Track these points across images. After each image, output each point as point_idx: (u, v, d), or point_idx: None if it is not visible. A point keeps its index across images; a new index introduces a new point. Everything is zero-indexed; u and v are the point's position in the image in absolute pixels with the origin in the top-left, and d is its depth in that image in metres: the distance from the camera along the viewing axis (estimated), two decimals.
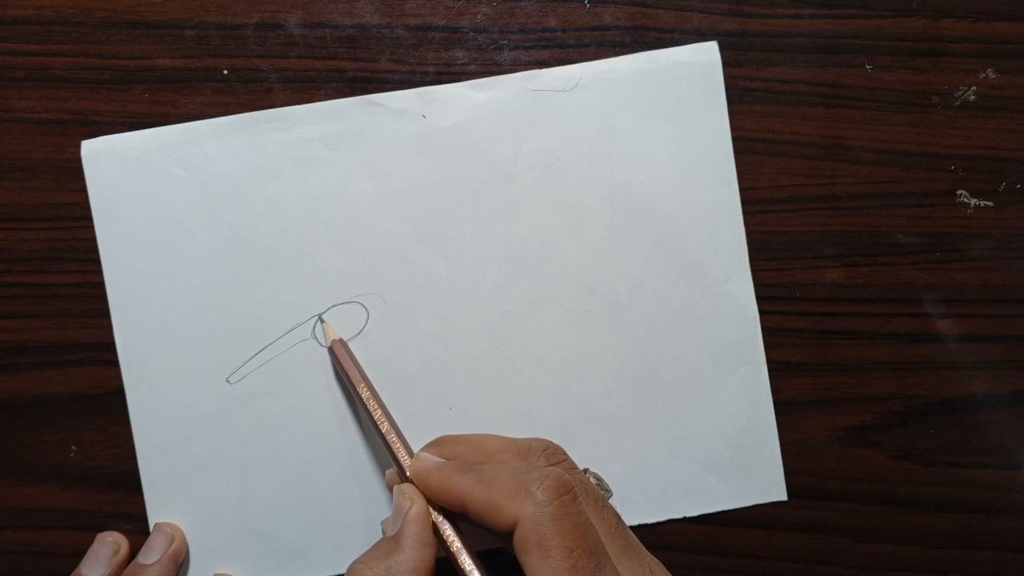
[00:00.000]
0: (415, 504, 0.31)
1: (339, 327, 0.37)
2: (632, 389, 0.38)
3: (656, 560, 0.31)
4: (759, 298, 0.38)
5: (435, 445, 0.34)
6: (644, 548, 0.32)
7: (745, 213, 0.38)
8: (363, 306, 0.37)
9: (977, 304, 0.39)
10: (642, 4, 0.38)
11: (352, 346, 0.37)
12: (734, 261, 0.38)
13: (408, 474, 0.32)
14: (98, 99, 0.38)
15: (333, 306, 0.37)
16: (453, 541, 0.30)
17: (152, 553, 0.36)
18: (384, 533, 0.31)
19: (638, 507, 0.38)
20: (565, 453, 0.33)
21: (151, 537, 0.36)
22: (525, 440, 0.33)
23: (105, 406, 0.37)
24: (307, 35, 0.38)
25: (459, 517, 0.31)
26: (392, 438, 0.33)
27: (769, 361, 0.38)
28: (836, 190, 0.38)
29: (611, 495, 0.35)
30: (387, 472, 0.34)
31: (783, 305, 0.38)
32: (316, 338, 0.37)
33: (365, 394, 0.34)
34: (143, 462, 0.37)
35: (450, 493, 0.30)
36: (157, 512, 0.37)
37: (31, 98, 0.38)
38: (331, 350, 0.36)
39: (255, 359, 0.37)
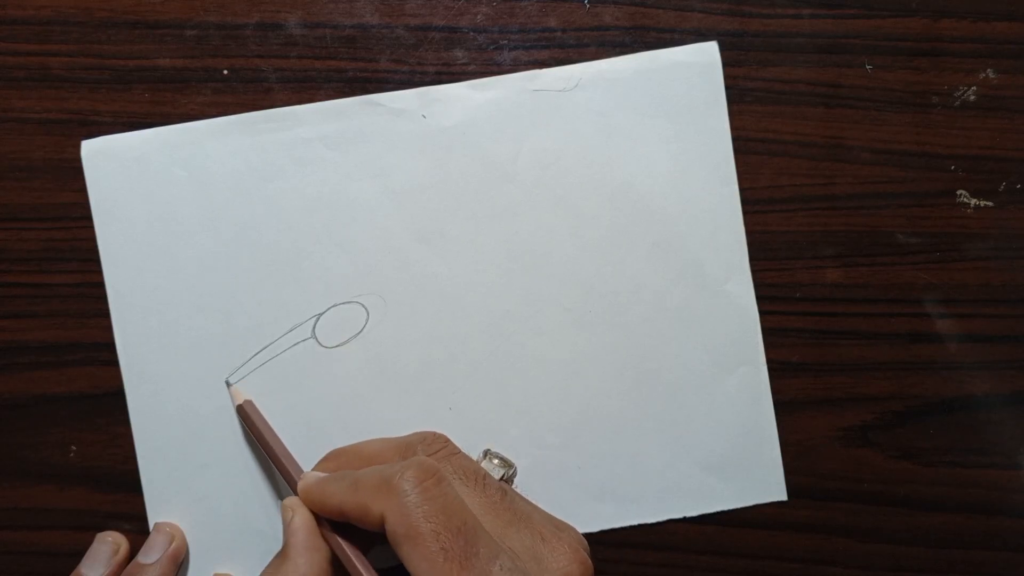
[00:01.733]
0: (296, 514, 0.32)
1: (339, 327, 0.37)
2: (632, 389, 0.38)
3: (559, 525, 0.32)
4: (759, 298, 0.38)
5: (324, 460, 0.35)
6: (542, 516, 0.32)
7: (745, 213, 0.38)
8: (363, 306, 0.37)
9: (977, 304, 0.39)
10: (642, 4, 0.38)
11: (352, 346, 0.37)
12: (734, 261, 0.38)
13: (297, 492, 0.33)
14: (98, 99, 0.38)
15: (333, 306, 0.37)
16: (340, 547, 0.31)
17: (152, 553, 0.36)
18: None
19: (638, 507, 0.38)
20: (446, 440, 0.33)
21: (151, 537, 0.36)
22: (405, 437, 0.34)
23: (105, 406, 0.37)
24: (307, 35, 0.38)
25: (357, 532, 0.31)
26: (280, 462, 0.34)
27: (769, 361, 0.38)
28: (836, 190, 0.38)
29: (514, 470, 0.35)
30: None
31: (783, 305, 0.38)
32: (316, 338, 0.37)
33: (265, 438, 0.35)
34: (143, 462, 0.37)
35: (327, 504, 0.31)
36: (157, 512, 0.37)
37: (31, 98, 0.38)
38: (240, 409, 0.36)
39: (255, 359, 0.37)
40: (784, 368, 0.38)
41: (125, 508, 0.37)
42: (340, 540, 0.31)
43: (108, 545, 0.36)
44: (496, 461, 0.35)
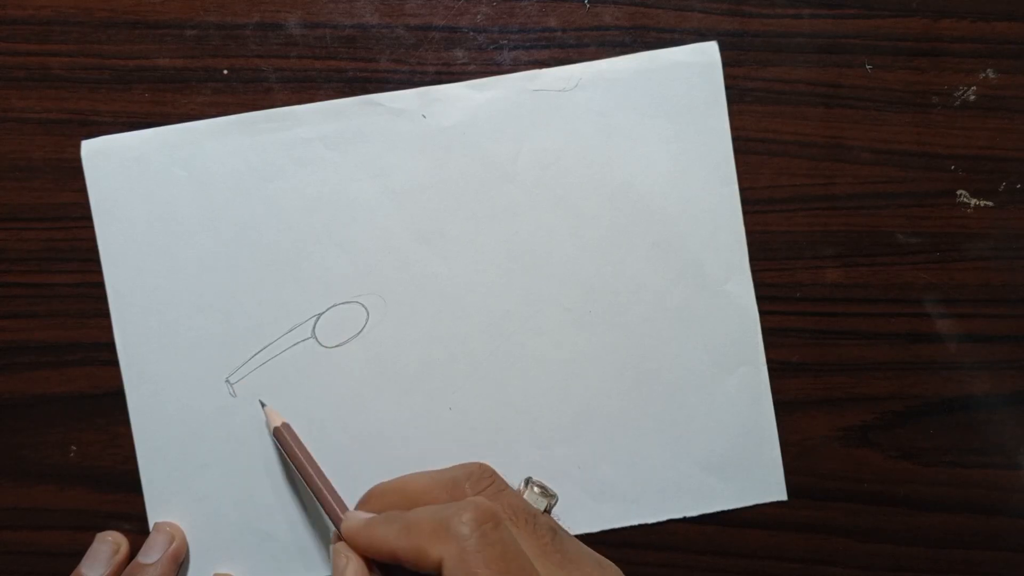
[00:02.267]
0: (351, 562, 0.31)
1: (339, 327, 0.37)
2: (632, 389, 0.38)
3: (604, 565, 0.32)
4: (759, 298, 0.38)
5: (365, 501, 0.34)
6: (589, 555, 0.32)
7: (745, 213, 0.38)
8: (363, 306, 0.37)
9: (977, 304, 0.38)
10: (642, 4, 0.38)
11: (352, 346, 0.37)
12: (734, 261, 0.38)
13: (341, 533, 0.32)
14: (98, 99, 0.38)
15: (333, 306, 0.37)
16: None
17: (152, 553, 0.36)
18: None
19: (638, 507, 0.38)
20: (493, 475, 0.33)
21: (151, 537, 0.36)
22: (450, 470, 0.34)
23: (105, 406, 0.37)
24: (307, 35, 0.38)
25: (402, 570, 0.31)
26: (324, 497, 0.34)
27: (769, 361, 0.38)
28: (836, 190, 0.38)
29: (556, 500, 0.35)
30: (332, 535, 0.34)
31: (783, 305, 0.38)
32: (316, 338, 0.37)
33: (306, 469, 0.35)
34: (143, 462, 0.37)
35: (379, 547, 0.30)
36: (157, 512, 0.37)
37: (31, 98, 0.38)
38: (277, 431, 0.36)
39: (255, 359, 0.37)
40: (784, 368, 0.38)
41: (125, 508, 0.37)
42: None
43: (108, 545, 0.36)
44: (538, 491, 0.34)
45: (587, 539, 0.37)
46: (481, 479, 0.33)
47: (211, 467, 0.37)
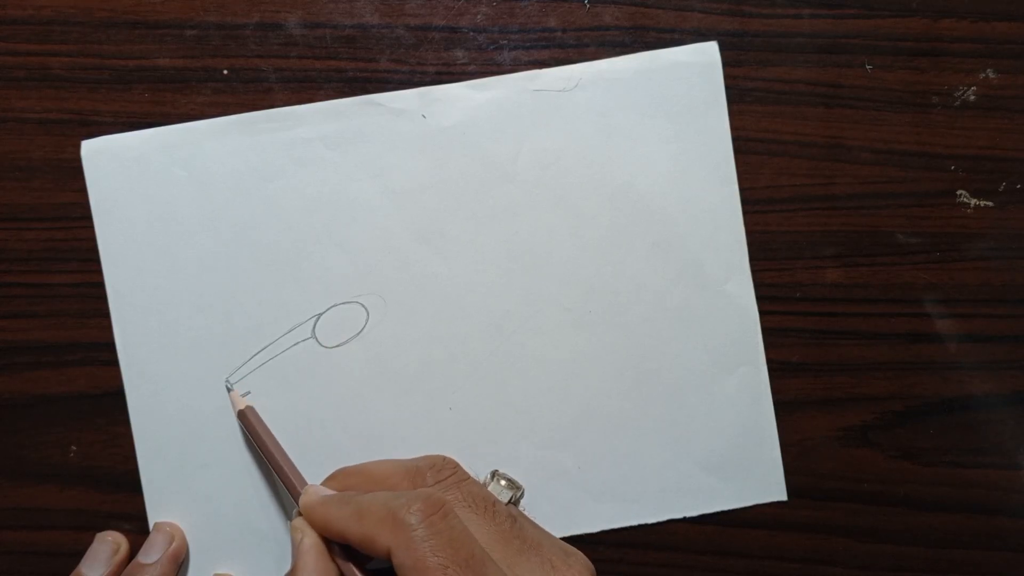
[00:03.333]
0: (306, 536, 0.31)
1: (339, 327, 0.37)
2: (632, 389, 0.38)
3: (568, 552, 0.32)
4: (759, 298, 0.38)
5: (331, 479, 0.34)
6: (553, 542, 0.32)
7: (745, 213, 0.38)
8: (363, 306, 0.37)
9: (977, 304, 0.39)
10: (642, 4, 0.38)
11: (352, 346, 0.37)
12: (734, 261, 0.38)
13: (299, 506, 0.33)
14: (98, 99, 0.38)
15: (333, 306, 0.37)
16: (351, 570, 0.31)
17: (152, 553, 0.36)
18: None
19: (638, 507, 0.38)
20: (455, 466, 0.33)
21: (151, 536, 0.36)
22: (414, 460, 0.34)
23: (105, 406, 0.37)
24: (307, 35, 0.38)
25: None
26: (283, 472, 0.34)
27: (769, 361, 0.38)
28: (836, 190, 0.38)
29: (522, 492, 0.35)
30: (293, 512, 0.35)
31: (783, 305, 0.38)
32: (316, 338, 0.37)
33: (269, 448, 0.35)
34: (143, 462, 0.37)
35: (330, 527, 0.31)
36: (157, 512, 0.37)
37: (31, 98, 0.38)
38: (241, 414, 0.36)
39: (255, 359, 0.37)
40: (784, 368, 0.38)
41: (125, 508, 0.37)
42: (352, 567, 0.31)
43: (108, 545, 0.36)
44: (504, 483, 0.34)
45: (587, 539, 0.37)
46: (443, 469, 0.33)
47: (211, 467, 0.37)
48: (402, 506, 0.29)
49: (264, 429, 0.36)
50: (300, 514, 0.33)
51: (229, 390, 0.37)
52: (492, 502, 0.32)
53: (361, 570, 0.31)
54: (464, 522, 0.30)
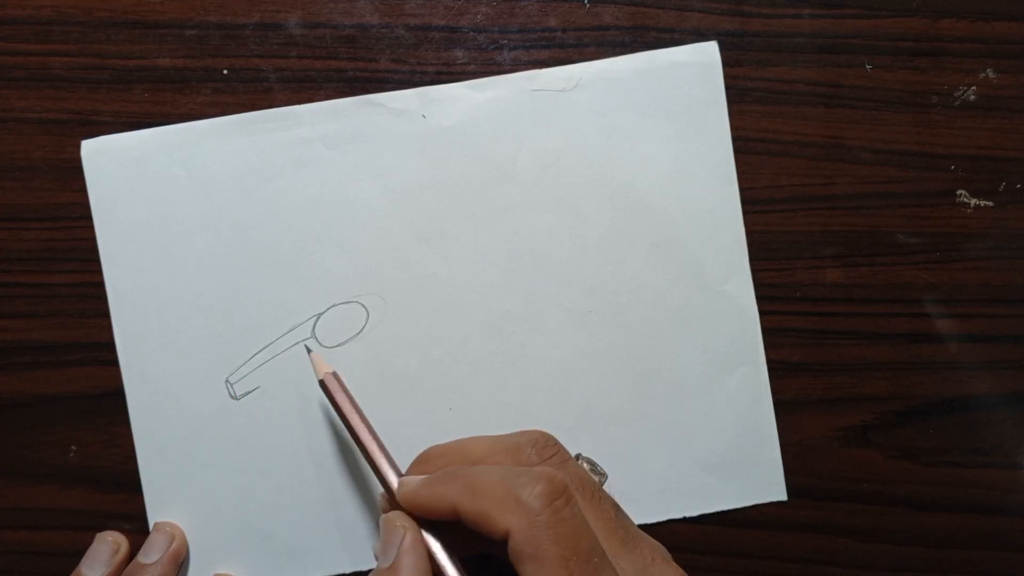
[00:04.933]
0: (408, 533, 0.30)
1: (339, 327, 0.37)
2: (632, 389, 0.38)
3: (657, 545, 0.31)
4: (759, 298, 0.38)
5: (421, 462, 0.32)
6: (644, 535, 0.31)
7: (745, 213, 0.38)
8: (363, 306, 0.37)
9: (977, 304, 0.39)
10: (642, 4, 0.38)
11: (352, 346, 0.37)
12: (734, 261, 0.38)
13: (398, 499, 0.31)
14: (98, 99, 0.38)
15: (333, 306, 0.37)
16: (449, 570, 0.30)
17: (152, 553, 0.36)
18: (376, 560, 0.30)
19: (638, 507, 0.37)
20: (556, 444, 0.31)
21: (151, 537, 0.36)
22: (513, 436, 0.32)
23: (105, 406, 0.37)
24: (307, 35, 0.38)
25: (451, 531, 0.30)
26: (381, 462, 0.32)
27: (769, 361, 0.38)
28: (836, 190, 0.38)
29: (606, 479, 0.34)
30: (379, 496, 0.33)
31: (783, 305, 0.38)
32: (316, 338, 0.37)
33: (356, 423, 0.33)
34: (143, 462, 0.37)
35: (439, 507, 0.29)
36: (157, 512, 0.37)
37: (31, 98, 0.38)
38: (323, 383, 0.34)
39: (255, 359, 0.37)
40: (784, 368, 0.38)
41: (125, 508, 0.37)
42: (448, 562, 0.30)
43: (108, 545, 0.36)
44: (587, 467, 0.33)
45: None
46: (546, 447, 0.31)
47: (211, 467, 0.37)
48: (524, 485, 0.27)
49: (351, 404, 0.33)
50: (390, 503, 0.31)
51: (309, 352, 0.34)
52: (598, 488, 0.30)
53: (458, 566, 0.30)
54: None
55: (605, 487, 0.33)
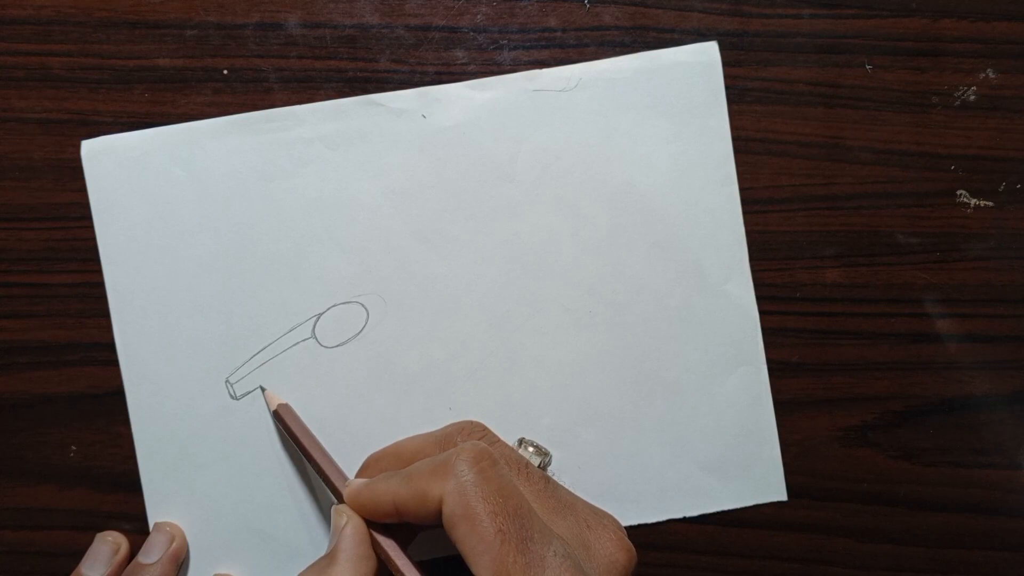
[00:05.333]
0: (349, 520, 0.31)
1: (339, 327, 0.37)
2: (632, 389, 0.38)
3: (599, 514, 0.32)
4: (759, 298, 0.38)
5: (364, 469, 0.34)
6: (584, 504, 0.32)
7: (745, 213, 0.38)
8: (363, 306, 0.37)
9: (977, 304, 0.39)
10: (642, 4, 0.38)
11: (352, 346, 0.37)
12: (734, 261, 0.38)
13: (345, 502, 0.32)
14: (98, 99, 0.38)
15: (333, 306, 0.37)
16: (395, 556, 0.31)
17: (152, 553, 0.36)
18: None
19: (638, 507, 0.38)
20: (484, 429, 0.33)
21: (151, 536, 0.36)
22: (443, 429, 0.33)
23: (105, 406, 0.37)
24: (307, 35, 0.38)
25: (405, 534, 0.31)
26: (323, 470, 0.34)
27: (769, 361, 0.38)
28: (836, 190, 0.38)
29: (550, 458, 0.35)
30: (332, 508, 0.34)
31: (783, 305, 0.38)
32: (316, 338, 0.37)
33: (310, 445, 0.35)
34: (143, 462, 0.37)
35: (380, 502, 0.30)
36: (157, 512, 0.37)
37: (31, 98, 0.38)
38: (275, 414, 0.36)
39: (255, 359, 0.37)
40: (784, 368, 0.38)
41: (125, 508, 0.37)
42: (392, 544, 0.31)
43: (108, 545, 0.36)
44: (531, 449, 0.34)
45: None
46: (473, 432, 0.33)
47: (211, 467, 0.37)
48: (450, 456, 0.29)
49: (301, 428, 0.36)
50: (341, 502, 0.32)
51: (263, 391, 0.37)
52: (525, 463, 0.32)
53: (401, 553, 0.31)
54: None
55: (551, 468, 0.35)
